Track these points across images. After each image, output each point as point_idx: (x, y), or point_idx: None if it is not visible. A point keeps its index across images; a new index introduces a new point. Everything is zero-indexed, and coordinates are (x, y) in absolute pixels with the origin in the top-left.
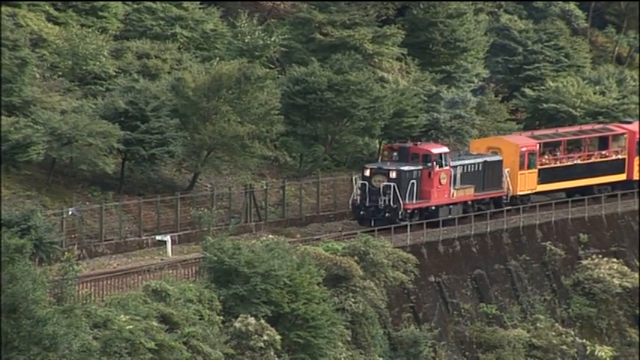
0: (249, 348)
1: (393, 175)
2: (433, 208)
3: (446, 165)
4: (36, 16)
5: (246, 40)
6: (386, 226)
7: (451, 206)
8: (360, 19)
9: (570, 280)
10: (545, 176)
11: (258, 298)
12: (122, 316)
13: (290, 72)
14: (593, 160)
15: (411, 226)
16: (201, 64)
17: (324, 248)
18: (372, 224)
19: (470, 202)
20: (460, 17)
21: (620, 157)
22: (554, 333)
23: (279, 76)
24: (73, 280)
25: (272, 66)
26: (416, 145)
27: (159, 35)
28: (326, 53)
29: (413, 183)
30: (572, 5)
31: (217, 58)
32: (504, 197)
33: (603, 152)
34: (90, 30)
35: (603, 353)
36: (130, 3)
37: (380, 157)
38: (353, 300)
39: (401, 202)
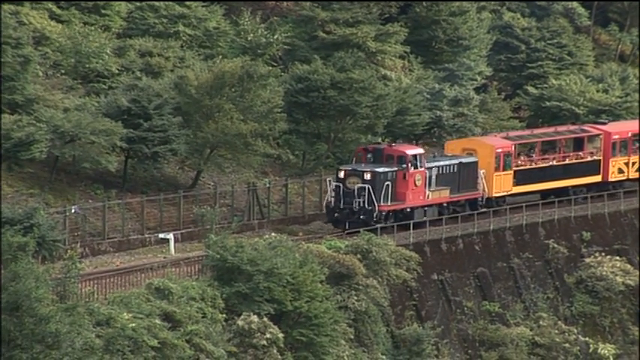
0: (252, 346)
1: (367, 176)
2: (408, 210)
3: (421, 166)
4: (39, 14)
5: (249, 38)
6: (360, 229)
7: (426, 208)
8: (363, 17)
9: (573, 278)
10: (520, 178)
11: (260, 296)
12: (125, 314)
13: (293, 70)
14: (568, 161)
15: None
16: (204, 62)
17: (327, 246)
18: (347, 227)
19: (445, 204)
20: (463, 15)
21: (595, 158)
22: (557, 331)
23: (282, 74)
24: (76, 278)
25: (275, 64)
26: (390, 146)
27: (162, 33)
28: (329, 51)
29: (388, 185)
30: (575, 3)
31: (220, 56)
32: (480, 199)
33: (579, 153)
34: (93, 28)
35: (606, 351)
36: (132, 1)
37: (354, 159)
38: (356, 298)
39: (376, 204)
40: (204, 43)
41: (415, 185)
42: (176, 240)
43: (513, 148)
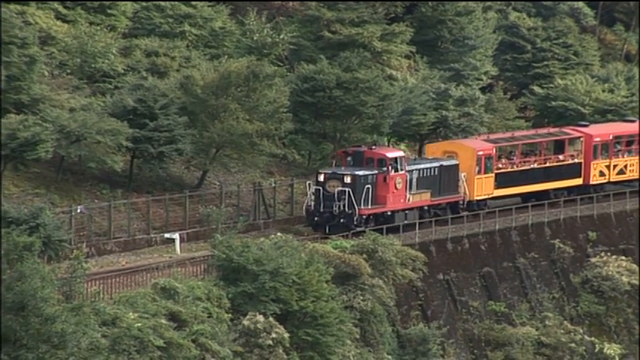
0: (258, 346)
1: (347, 180)
2: (389, 213)
3: (401, 169)
4: (45, 14)
5: (255, 38)
6: (340, 233)
7: (407, 211)
8: (369, 16)
9: (579, 278)
10: (502, 181)
11: (266, 296)
12: (131, 313)
13: (299, 70)
14: (549, 164)
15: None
16: (209, 62)
17: (333, 246)
18: (327, 231)
19: (426, 208)
20: (469, 15)
21: (576, 161)
22: (562, 331)
23: (288, 73)
24: (82, 277)
25: (280, 64)
26: (371, 149)
27: (167, 33)
28: (335, 51)
29: (368, 188)
30: (581, 3)
31: (226, 56)
32: (461, 202)
33: (560, 156)
34: (99, 28)
35: (612, 351)
36: (138, 1)
37: (334, 162)
38: (361, 298)
39: (356, 207)
40: (210, 42)
41: (396, 188)
42: (182, 240)
43: (494, 151)
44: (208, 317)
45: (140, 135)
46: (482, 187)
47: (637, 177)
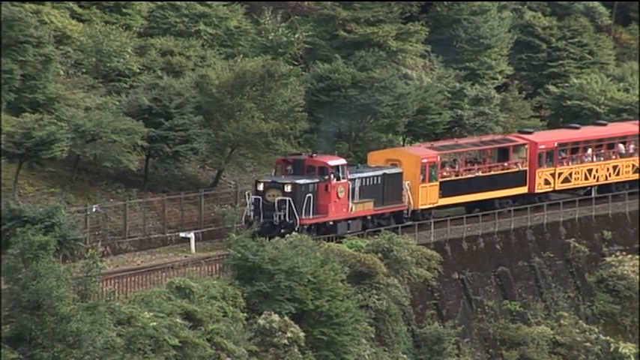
0: (273, 345)
1: (288, 189)
2: (331, 223)
3: (343, 178)
4: (60, 14)
5: (270, 37)
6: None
7: (350, 221)
8: (384, 16)
9: (594, 277)
10: (446, 189)
11: (282, 295)
12: (146, 313)
13: (314, 69)
14: (494, 172)
15: (434, 223)
16: (225, 61)
17: (348, 245)
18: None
19: (369, 217)
20: (484, 14)
21: (521, 168)
22: (577, 330)
23: (303, 73)
24: (97, 277)
25: (296, 63)
26: (312, 157)
27: (183, 32)
28: (350, 50)
29: (309, 197)
30: (596, 2)
31: (241, 55)
32: (405, 212)
33: (504, 164)
34: (114, 27)
35: (627, 350)
36: (153, 0)
37: (274, 171)
38: (377, 297)
39: (297, 217)
40: (225, 42)
41: (338, 197)
42: (197, 239)
43: (439, 159)
44: (223, 316)
45: (155, 134)
46: (427, 196)
47: (582, 185)
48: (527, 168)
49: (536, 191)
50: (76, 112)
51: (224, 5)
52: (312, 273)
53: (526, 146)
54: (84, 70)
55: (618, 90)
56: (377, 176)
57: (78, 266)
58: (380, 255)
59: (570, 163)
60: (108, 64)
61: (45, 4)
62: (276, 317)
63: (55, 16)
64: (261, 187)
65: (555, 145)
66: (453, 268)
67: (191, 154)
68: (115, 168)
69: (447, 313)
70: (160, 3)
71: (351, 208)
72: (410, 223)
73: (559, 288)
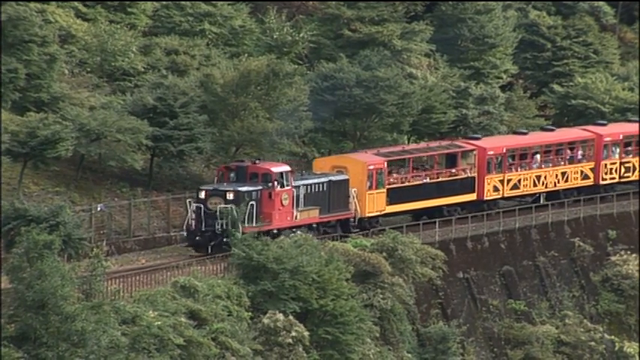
0: (278, 344)
1: (230, 196)
2: (275, 231)
3: (288, 185)
4: (65, 13)
5: (275, 37)
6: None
7: (295, 229)
8: (389, 15)
9: (599, 277)
10: (394, 196)
11: (286, 294)
12: (151, 312)
13: (318, 68)
14: (442, 179)
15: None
16: (229, 61)
17: (353, 244)
18: (209, 251)
19: (315, 225)
20: (489, 13)
21: (469, 175)
22: (582, 329)
23: (308, 72)
24: (102, 276)
25: (300, 62)
26: (255, 163)
27: (187, 31)
28: (354, 49)
29: (252, 205)
30: (600, 2)
31: (246, 55)
32: (352, 219)
33: (452, 170)
34: (118, 26)
35: (632, 349)
36: None
37: (215, 178)
38: (381, 296)
39: (240, 225)
40: (229, 41)
41: (282, 205)
42: None
43: (385, 165)
44: (228, 315)
45: (160, 133)
46: (374, 204)
47: (532, 192)
48: (475, 174)
49: (485, 198)
50: (80, 111)
51: (229, 4)
52: (317, 272)
53: (474, 152)
54: (89, 70)
55: (623, 89)
56: (322, 183)
57: (83, 265)
58: (384, 254)
59: (519, 170)
60: (113, 64)
61: (50, 4)
62: (280, 316)
63: (59, 16)
64: (202, 194)
65: (504, 150)
66: (458, 267)
67: (196, 153)
68: (120, 167)
69: (451, 313)
70: (164, 2)
71: (296, 216)
72: (356, 231)
73: (564, 287)
